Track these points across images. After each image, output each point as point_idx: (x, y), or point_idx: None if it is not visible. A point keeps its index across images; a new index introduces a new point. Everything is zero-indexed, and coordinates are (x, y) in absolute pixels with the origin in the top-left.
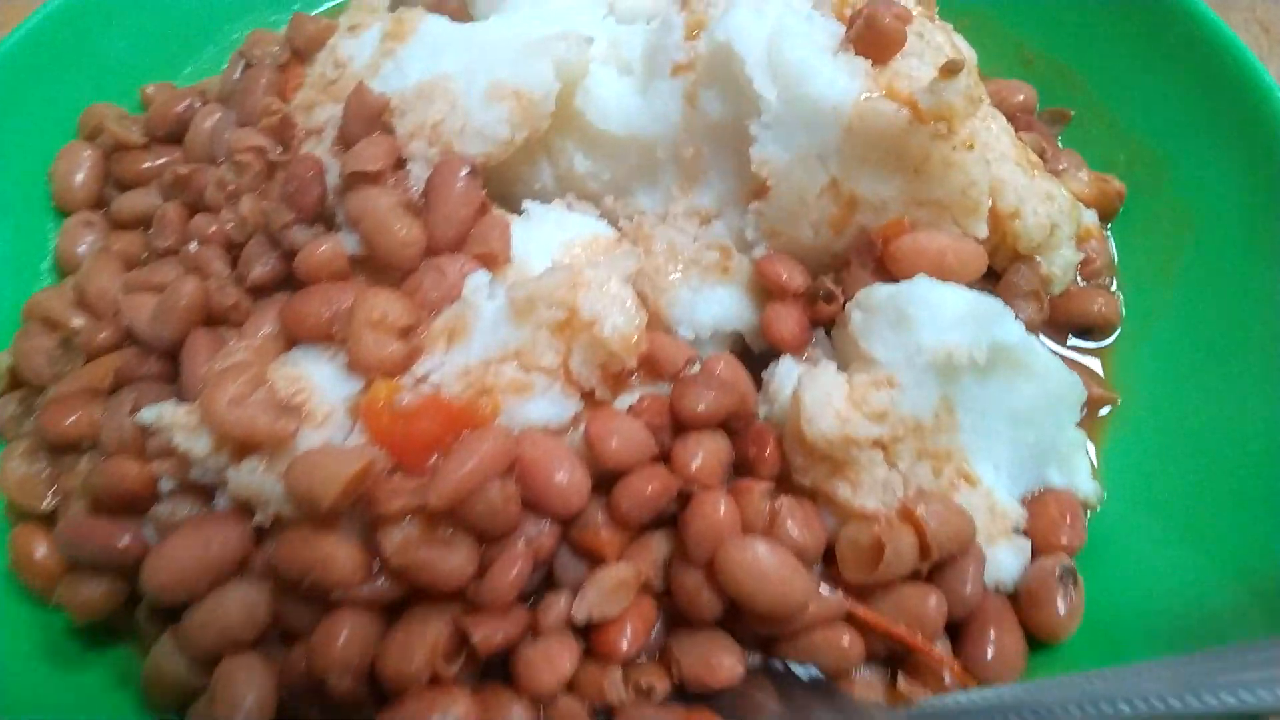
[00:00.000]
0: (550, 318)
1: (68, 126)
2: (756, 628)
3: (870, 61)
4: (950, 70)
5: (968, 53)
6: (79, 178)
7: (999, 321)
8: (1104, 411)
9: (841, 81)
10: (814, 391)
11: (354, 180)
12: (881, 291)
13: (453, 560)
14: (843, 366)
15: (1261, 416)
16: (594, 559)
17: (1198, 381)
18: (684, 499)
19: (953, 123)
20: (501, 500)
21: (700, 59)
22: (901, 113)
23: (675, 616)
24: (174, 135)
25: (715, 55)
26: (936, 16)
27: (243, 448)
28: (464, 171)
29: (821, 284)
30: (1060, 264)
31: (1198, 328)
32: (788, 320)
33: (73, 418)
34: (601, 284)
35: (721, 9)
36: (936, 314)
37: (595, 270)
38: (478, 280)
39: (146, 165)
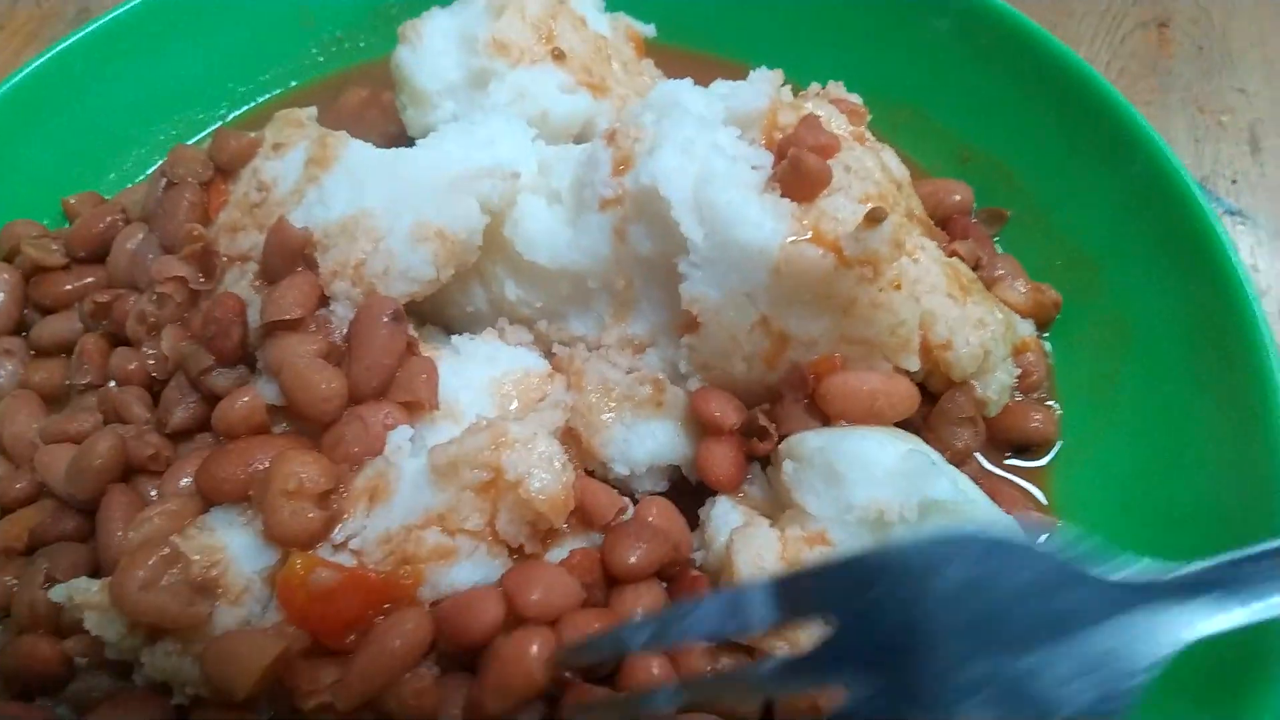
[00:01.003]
0: (474, 479)
1: None
2: None
3: (796, 203)
4: (873, 219)
5: (899, 172)
6: None
7: (929, 477)
8: (1043, 537)
9: (768, 225)
10: (746, 555)
11: (273, 328)
12: (812, 442)
13: None
14: (778, 507)
15: (1201, 532)
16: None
17: (1138, 501)
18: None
19: (878, 267)
20: (416, 694)
21: (628, 195)
22: (827, 258)
23: None
24: (96, 255)
25: (641, 194)
26: (867, 135)
27: (157, 631)
28: (387, 317)
29: (755, 420)
30: (995, 387)
31: (1136, 444)
32: (722, 461)
33: None
34: (527, 443)
35: (648, 146)
36: (866, 470)
37: (522, 427)
38: (400, 437)
39: (68, 287)
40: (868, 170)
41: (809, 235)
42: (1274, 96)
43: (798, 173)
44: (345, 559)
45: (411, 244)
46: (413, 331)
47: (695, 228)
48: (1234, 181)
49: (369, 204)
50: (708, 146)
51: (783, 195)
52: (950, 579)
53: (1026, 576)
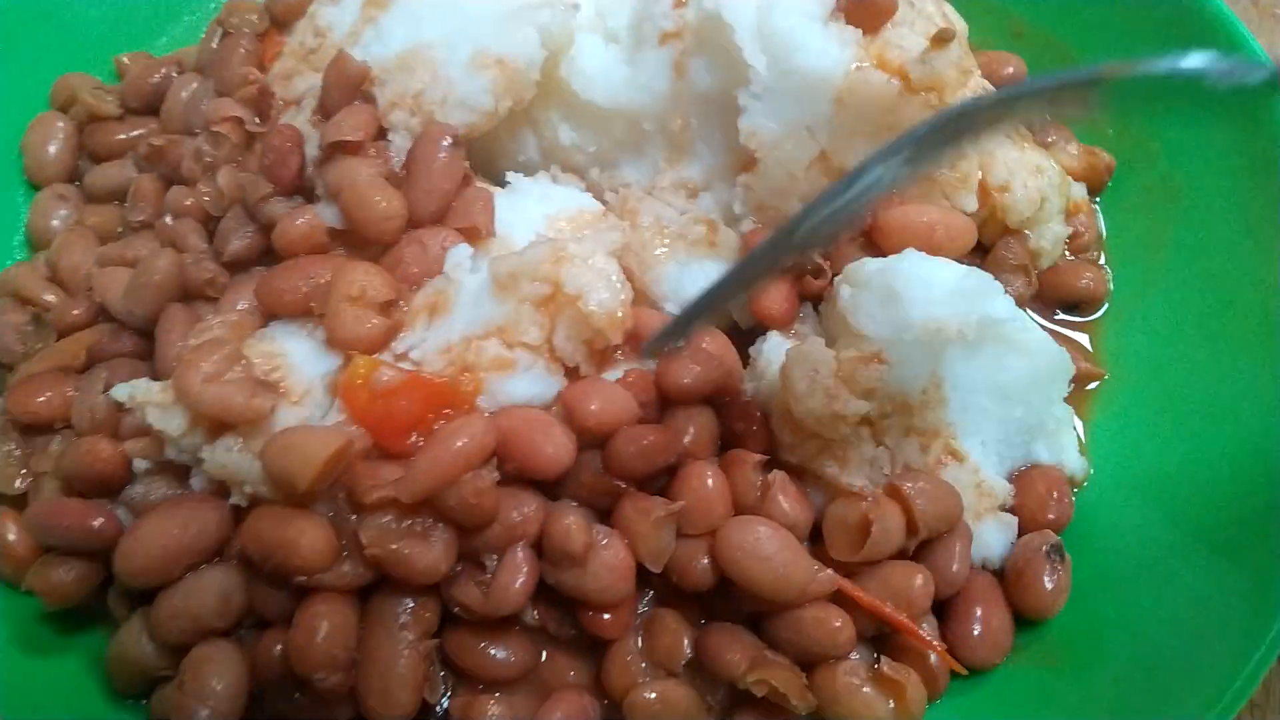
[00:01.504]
0: (534, 293)
1: (40, 97)
2: (749, 605)
3: (861, 31)
4: (941, 40)
5: (958, 23)
6: (52, 150)
7: (988, 297)
8: (1091, 386)
9: (832, 52)
10: (801, 368)
11: (333, 151)
12: (870, 266)
13: (429, 555)
14: (830, 342)
15: (1247, 391)
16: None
17: (1184, 356)
18: (673, 471)
19: (943, 94)
20: (476, 494)
21: (689, 27)
22: (892, 83)
23: (664, 587)
24: (150, 106)
25: (704, 24)
26: None
27: (218, 426)
28: (446, 143)
29: (809, 258)
30: (1049, 238)
31: (1185, 302)
32: (775, 296)
33: (43, 397)
34: (586, 258)
35: None
36: (925, 289)
37: (580, 244)
38: (459, 254)
39: (121, 137)
40: (929, 13)
41: (873, 63)
42: None
43: (864, 1)
44: (406, 368)
45: (470, 72)
46: (467, 164)
47: (758, 55)
48: None
49: (427, 37)
50: None
51: (848, 23)
52: None
53: None
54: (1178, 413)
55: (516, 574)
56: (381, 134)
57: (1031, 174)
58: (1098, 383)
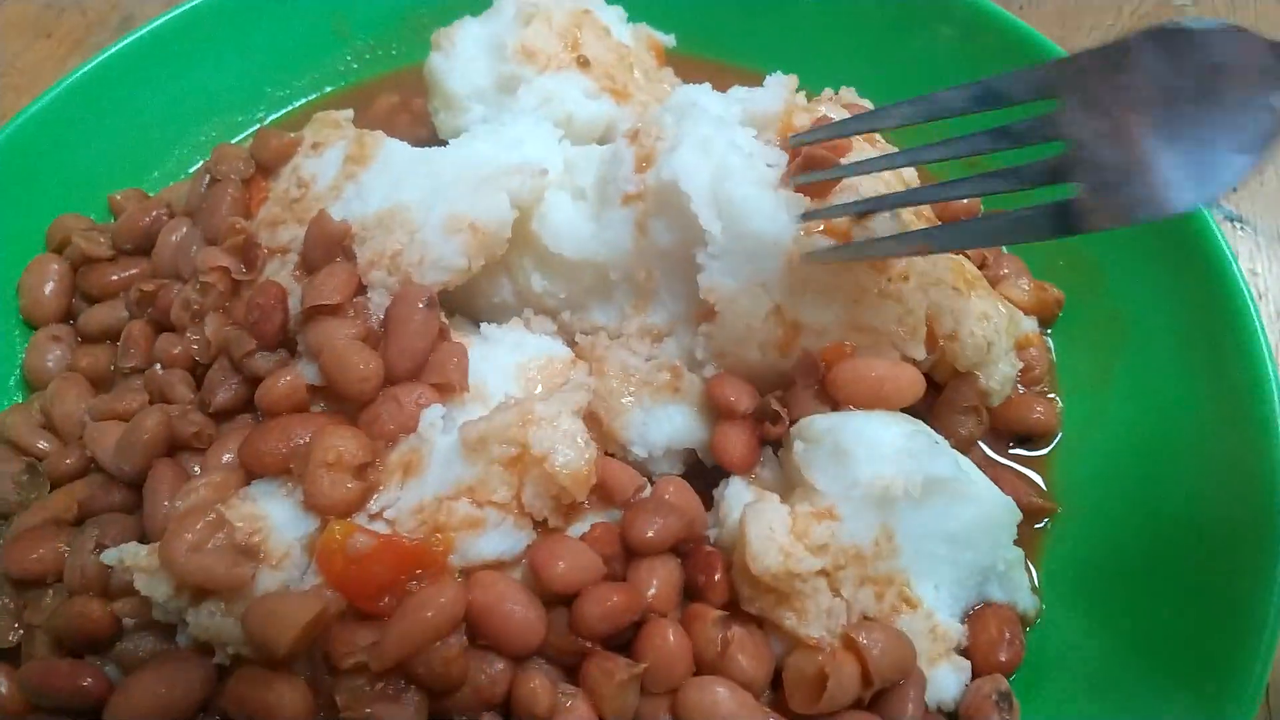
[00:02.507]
0: (502, 454)
1: (38, 237)
2: None
3: (808, 197)
4: (862, 217)
5: (908, 174)
6: (47, 291)
7: (932, 456)
8: (1045, 521)
9: (782, 217)
10: (758, 527)
11: (314, 312)
12: (821, 424)
13: (401, 717)
14: (787, 489)
15: (1195, 517)
16: (569, 664)
17: (1131, 489)
18: (637, 627)
19: (886, 259)
20: (444, 663)
21: (649, 191)
22: (836, 248)
23: None
24: (141, 247)
25: (662, 190)
26: (878, 138)
27: (201, 592)
28: (422, 304)
29: (768, 405)
30: (998, 378)
31: (1132, 434)
32: (736, 443)
33: (36, 554)
34: (553, 420)
35: (669, 145)
36: (873, 449)
37: (546, 405)
38: (432, 415)
39: (114, 277)
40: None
41: (820, 228)
42: None
43: (810, 167)
44: (380, 528)
45: (445, 235)
46: (444, 319)
47: (713, 220)
48: (1234, 190)
49: (404, 198)
50: (725, 144)
51: (796, 191)
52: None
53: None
54: (1129, 541)
55: None
56: (361, 290)
57: (978, 321)
58: (1050, 518)
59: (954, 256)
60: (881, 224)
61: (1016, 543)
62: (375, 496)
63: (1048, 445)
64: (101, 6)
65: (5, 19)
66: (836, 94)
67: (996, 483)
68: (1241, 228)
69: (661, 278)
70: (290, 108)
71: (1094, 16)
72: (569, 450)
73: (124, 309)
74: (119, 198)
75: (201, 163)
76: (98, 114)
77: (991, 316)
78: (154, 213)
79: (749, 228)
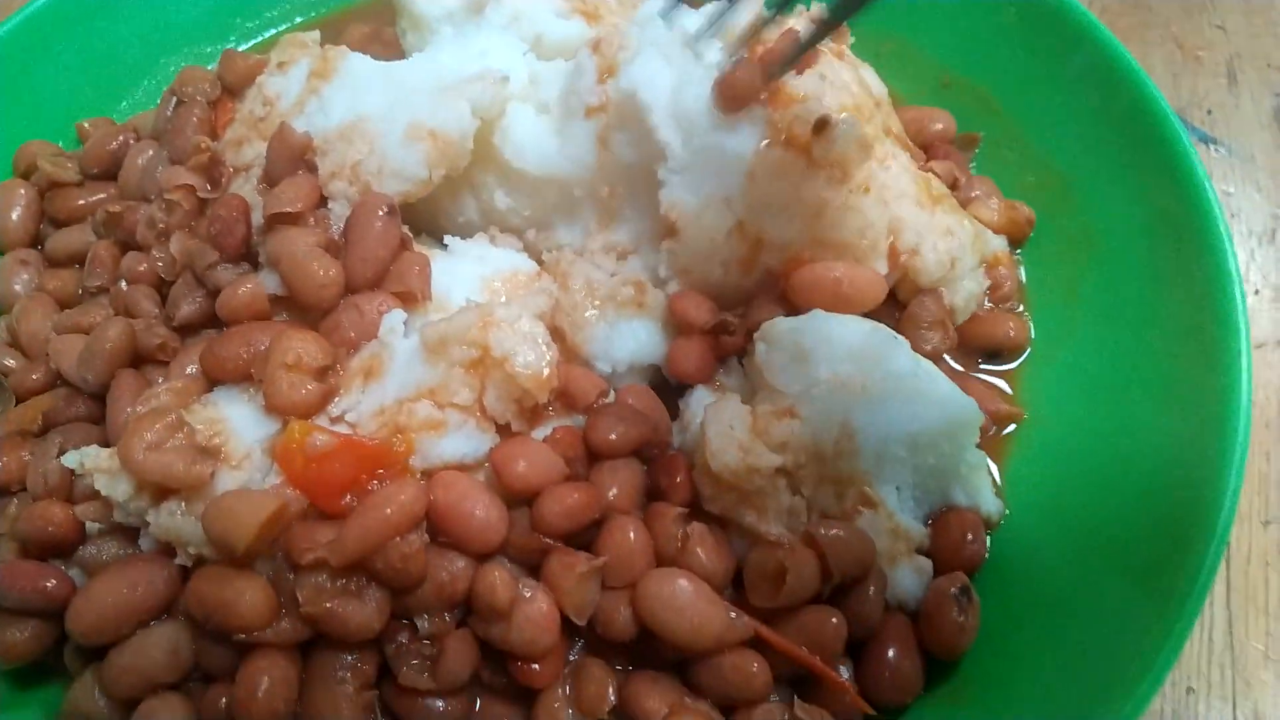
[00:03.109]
0: (463, 356)
1: (4, 163)
2: (671, 653)
3: (770, 108)
4: (820, 128)
5: (877, 89)
6: (14, 216)
7: (891, 353)
8: (1011, 428)
9: (742, 129)
10: (717, 425)
11: (275, 221)
12: (782, 325)
13: (362, 613)
14: (751, 395)
15: (1153, 428)
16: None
17: (1098, 398)
18: (598, 525)
19: (846, 169)
20: (402, 559)
21: (611, 103)
22: (799, 160)
23: (593, 636)
24: (109, 172)
25: (623, 102)
26: (848, 54)
27: (162, 492)
28: (383, 211)
29: (723, 319)
30: (963, 295)
31: (1100, 348)
32: (690, 355)
33: (1, 463)
34: (513, 322)
35: (630, 54)
36: (832, 347)
37: (507, 309)
38: (393, 320)
39: (81, 202)
40: (844, 82)
41: (783, 138)
42: (1252, 33)
43: (728, 86)
44: (342, 430)
45: (406, 144)
46: (407, 232)
47: (673, 134)
48: (1209, 112)
49: (366, 110)
50: (686, 55)
51: (716, 106)
52: None
53: None
54: (1092, 450)
55: (460, 661)
56: (322, 202)
57: (941, 236)
58: (1017, 424)
59: (920, 172)
60: (844, 134)
61: (982, 448)
62: (336, 400)
63: (1017, 360)
64: None
65: None
66: (809, 9)
67: (964, 390)
68: (1215, 149)
69: (625, 194)
70: (261, 38)
71: None
72: (530, 352)
73: (91, 233)
74: (87, 125)
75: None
76: (66, 42)
77: (955, 233)
78: (121, 137)
79: (708, 142)
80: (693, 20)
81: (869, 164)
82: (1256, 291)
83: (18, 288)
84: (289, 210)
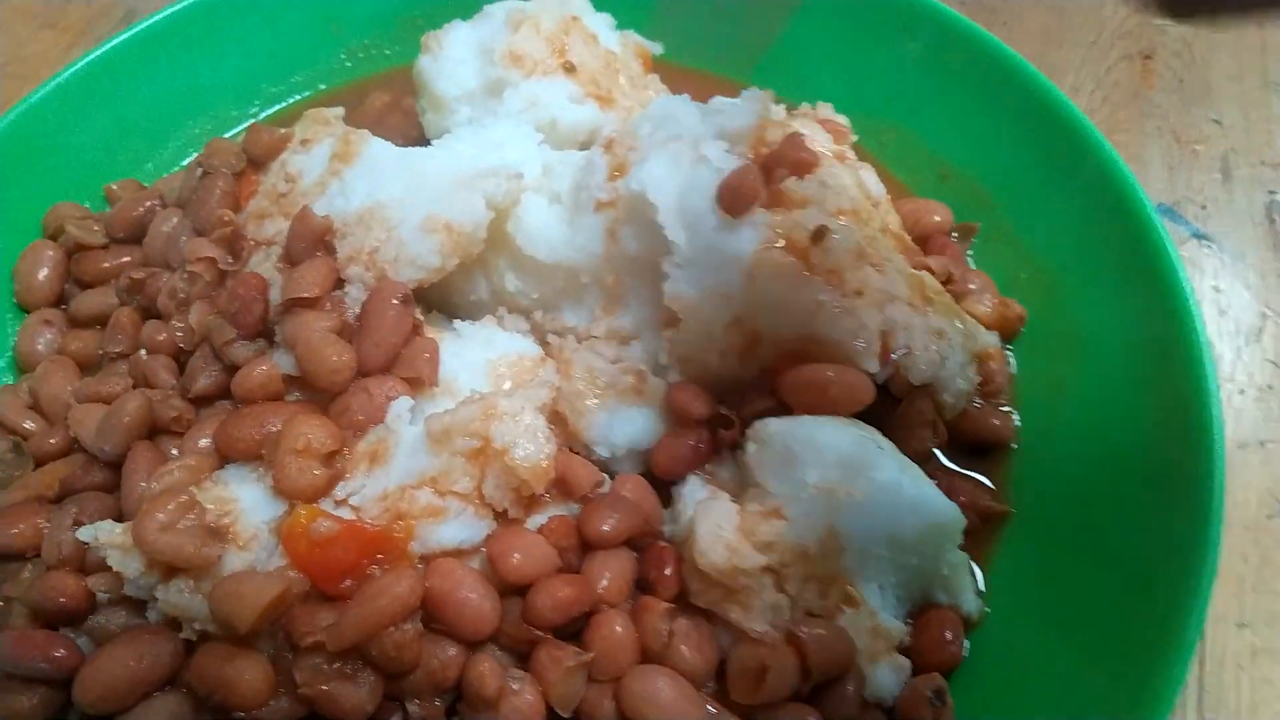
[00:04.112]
0: (465, 446)
1: (34, 223)
2: None
3: (770, 213)
4: (817, 238)
5: (876, 190)
6: (41, 276)
7: (877, 461)
8: (997, 525)
9: (744, 232)
10: (707, 524)
11: (292, 305)
12: (773, 426)
13: (356, 696)
14: (744, 488)
15: (1136, 525)
16: (521, 651)
17: (1084, 495)
18: (588, 617)
19: (841, 275)
20: (397, 647)
21: (620, 200)
22: (795, 265)
23: None
24: (134, 236)
25: (633, 200)
26: (849, 155)
27: (171, 570)
28: (397, 300)
29: (720, 412)
30: (953, 392)
31: (1086, 444)
32: (676, 457)
33: (17, 529)
34: (515, 415)
35: (640, 155)
36: (820, 453)
37: (510, 400)
38: (400, 407)
39: (106, 265)
40: (844, 186)
41: (781, 243)
42: (1247, 129)
43: (730, 190)
44: (345, 514)
45: (421, 235)
46: (419, 315)
47: (679, 231)
48: (1203, 207)
49: (385, 197)
50: (694, 158)
51: (719, 207)
52: None
53: None
54: (1075, 549)
55: None
56: (339, 284)
57: (933, 337)
58: (1003, 520)
59: (914, 273)
60: (840, 242)
61: (967, 546)
62: (341, 484)
63: (1003, 455)
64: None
65: (11, 8)
66: (814, 108)
67: (951, 489)
68: (1207, 245)
69: (630, 283)
70: (285, 104)
71: (1075, 33)
72: (530, 444)
73: (114, 295)
74: (115, 188)
75: (196, 157)
76: (96, 105)
77: (947, 334)
78: (147, 203)
79: (711, 241)
80: (692, 117)
81: (864, 269)
82: (1242, 391)
83: (40, 347)
84: (305, 295)
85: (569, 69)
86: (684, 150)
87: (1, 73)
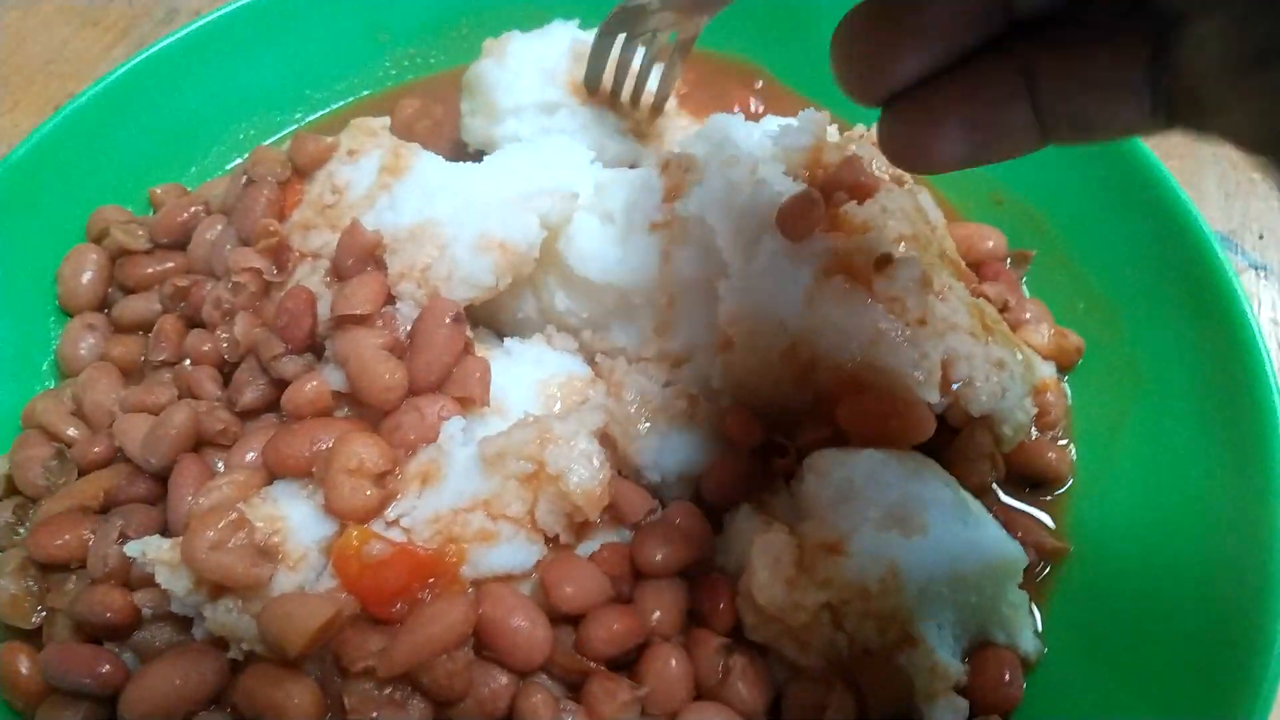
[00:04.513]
0: (519, 470)
1: (79, 226)
2: None
3: (833, 239)
4: (880, 265)
5: (934, 215)
6: (85, 279)
7: (939, 496)
8: (1055, 563)
9: (804, 256)
10: (765, 558)
11: (343, 321)
12: (831, 458)
13: None
14: (799, 518)
15: (1199, 567)
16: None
17: (1144, 533)
18: (641, 648)
19: (904, 303)
20: (448, 675)
21: (676, 221)
22: (858, 291)
23: None
24: (178, 242)
25: (689, 222)
26: (906, 178)
27: (219, 588)
28: (449, 318)
29: (775, 440)
30: (1012, 424)
31: (1145, 480)
32: (727, 482)
33: (61, 540)
34: (570, 439)
35: (697, 176)
36: (881, 490)
37: (564, 425)
38: (453, 427)
39: (150, 270)
40: (904, 211)
41: (842, 268)
42: None
43: (791, 214)
44: (396, 535)
45: (474, 253)
46: (469, 333)
47: (736, 255)
48: (1261, 237)
49: (437, 213)
50: (753, 181)
51: (779, 231)
52: None
53: None
54: (1135, 589)
55: None
56: (390, 300)
57: (994, 368)
58: (1062, 558)
59: (975, 300)
60: (904, 270)
61: (1024, 585)
62: (393, 504)
63: (1060, 489)
64: None
65: (54, 7)
66: (869, 130)
67: (1009, 524)
68: (1265, 275)
69: (683, 306)
70: (328, 109)
71: None
72: (584, 470)
73: (158, 301)
74: (159, 192)
75: (239, 161)
76: (141, 109)
77: (1007, 364)
78: (191, 209)
79: (770, 265)
80: (748, 138)
81: (927, 297)
82: None
83: (83, 351)
84: (357, 312)
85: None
86: (742, 173)
87: (44, 71)
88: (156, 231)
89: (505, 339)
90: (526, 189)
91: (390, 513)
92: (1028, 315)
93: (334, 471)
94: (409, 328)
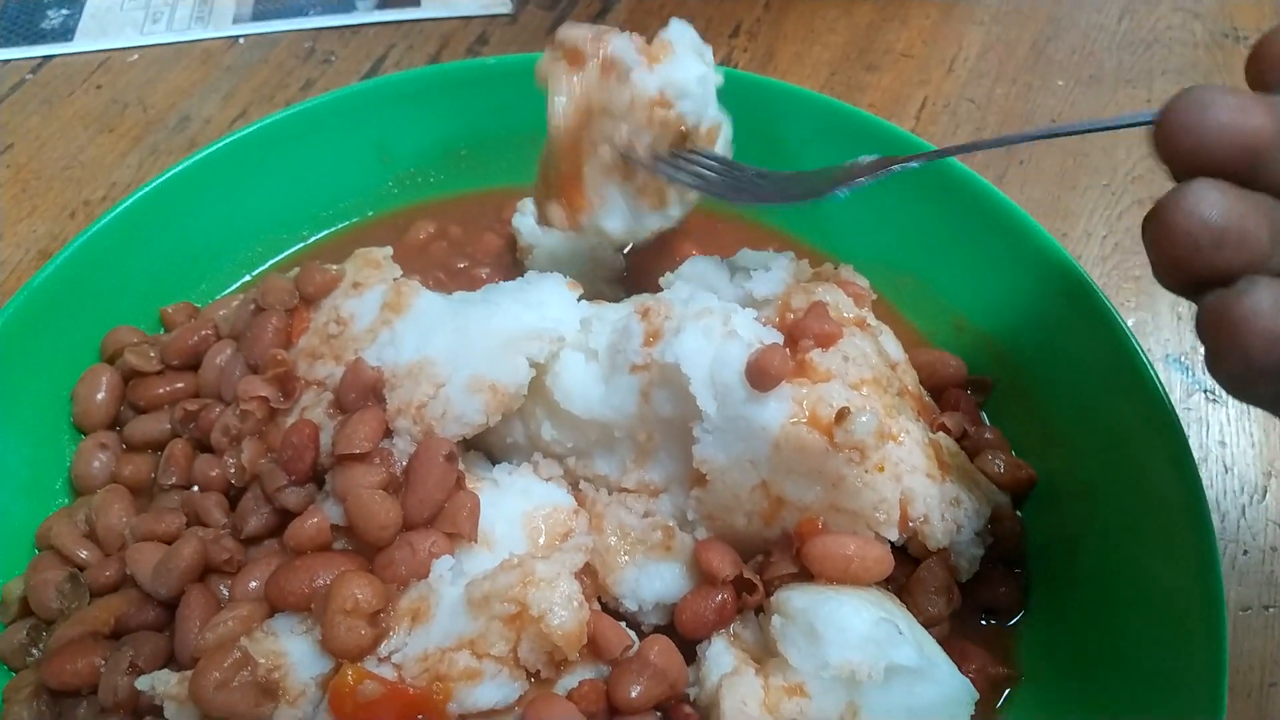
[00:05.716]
0: (503, 611)
1: (94, 346)
2: None
3: (799, 388)
4: (839, 418)
5: (895, 353)
6: (98, 399)
7: (895, 645)
8: (1007, 690)
9: (771, 406)
10: (733, 700)
11: (342, 459)
12: (797, 602)
13: None
14: (766, 653)
15: (1143, 696)
16: None
17: (1090, 661)
18: None
19: (864, 452)
20: None
21: (654, 365)
22: (820, 440)
23: None
24: (188, 364)
25: (666, 369)
26: (869, 320)
27: None
28: (442, 456)
29: (745, 576)
30: (967, 557)
31: (1095, 611)
32: (700, 619)
33: (75, 667)
34: (552, 581)
35: (674, 325)
36: (842, 634)
37: (546, 565)
38: (443, 566)
39: (160, 391)
40: (865, 355)
41: (806, 417)
42: None
43: (758, 369)
44: (387, 671)
45: (467, 393)
46: (460, 465)
47: (710, 401)
48: None
49: (433, 352)
50: (725, 332)
51: (747, 382)
52: None
53: None
54: (1088, 712)
55: None
56: (387, 433)
57: (950, 505)
58: (1012, 686)
59: (933, 436)
60: (862, 423)
61: (977, 710)
62: (385, 642)
63: (1012, 619)
64: (161, 105)
65: (73, 112)
66: (836, 269)
67: (960, 654)
68: (1214, 400)
69: (661, 441)
70: (334, 228)
71: (1090, 176)
72: (564, 611)
73: (168, 421)
74: (170, 311)
75: (247, 278)
76: (155, 230)
77: (963, 501)
78: (201, 332)
79: (740, 412)
80: (722, 282)
81: (885, 446)
82: (1245, 552)
83: (95, 469)
84: (356, 451)
85: None
86: (715, 324)
87: (61, 176)
88: (168, 354)
89: (496, 465)
90: (517, 331)
91: (382, 650)
92: (985, 443)
93: (331, 612)
94: (404, 463)
